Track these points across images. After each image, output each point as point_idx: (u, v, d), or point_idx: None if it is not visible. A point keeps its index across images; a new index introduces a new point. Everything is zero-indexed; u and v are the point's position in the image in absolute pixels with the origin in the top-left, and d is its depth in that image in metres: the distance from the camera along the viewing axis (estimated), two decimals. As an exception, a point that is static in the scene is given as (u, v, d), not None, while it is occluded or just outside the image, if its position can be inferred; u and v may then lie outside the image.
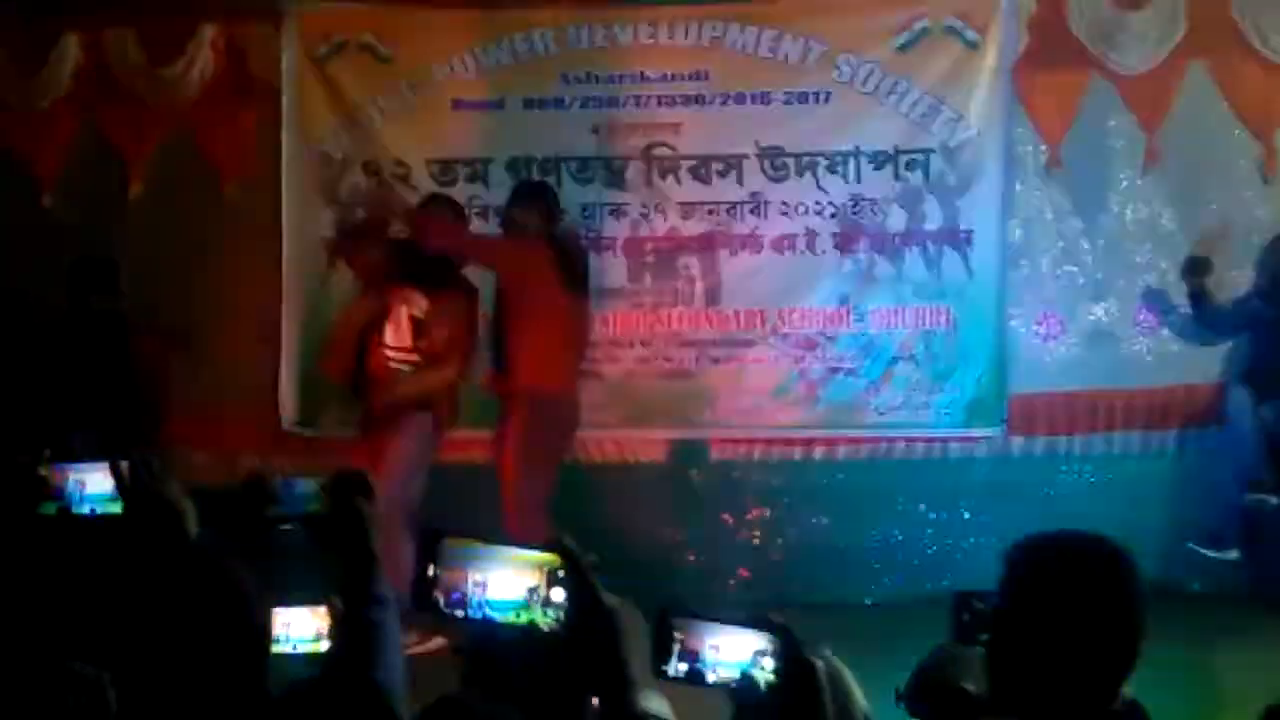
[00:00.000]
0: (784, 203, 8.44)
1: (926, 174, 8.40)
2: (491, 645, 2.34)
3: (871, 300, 8.44)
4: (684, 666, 2.18)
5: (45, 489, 3.81)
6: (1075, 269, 8.48)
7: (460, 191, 8.30)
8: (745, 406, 8.48)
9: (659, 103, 8.47)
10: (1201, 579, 8.07)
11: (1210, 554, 7.94)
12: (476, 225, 8.17)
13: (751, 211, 8.46)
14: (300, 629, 3.28)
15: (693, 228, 8.47)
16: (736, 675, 2.20)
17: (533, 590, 1.95)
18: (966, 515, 8.43)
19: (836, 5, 8.45)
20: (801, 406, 8.48)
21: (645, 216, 8.48)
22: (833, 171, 8.43)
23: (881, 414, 8.45)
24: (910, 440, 8.51)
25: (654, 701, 1.95)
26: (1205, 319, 8.16)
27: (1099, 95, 8.40)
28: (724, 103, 8.44)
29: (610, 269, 8.45)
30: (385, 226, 7.91)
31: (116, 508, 3.76)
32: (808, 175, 8.43)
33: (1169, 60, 8.31)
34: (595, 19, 8.46)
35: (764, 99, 8.42)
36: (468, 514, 7.09)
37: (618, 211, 8.47)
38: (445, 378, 7.49)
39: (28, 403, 7.50)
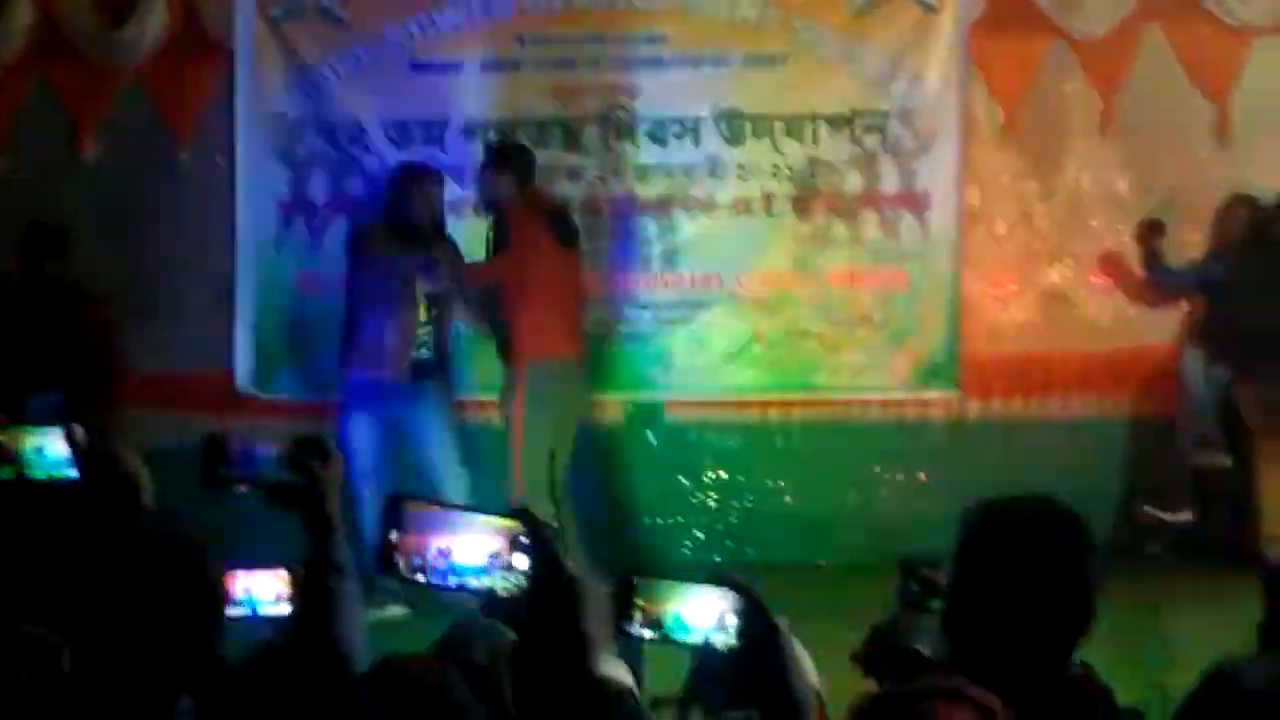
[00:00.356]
0: (741, 165, 8.44)
1: (884, 137, 8.41)
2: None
3: (828, 263, 8.45)
4: (647, 634, 2.18)
5: (1, 453, 3.78)
6: (1031, 232, 8.50)
7: (416, 154, 8.28)
8: (702, 369, 8.49)
9: (616, 65, 8.45)
10: (1156, 540, 8.13)
11: (1164, 515, 8.01)
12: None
13: (709, 174, 8.45)
14: (261, 592, 3.27)
15: (650, 190, 8.46)
16: (699, 641, 2.21)
17: (494, 556, 1.95)
18: (922, 477, 8.47)
19: (794, -32, 8.45)
20: (758, 369, 8.49)
21: (602, 179, 8.46)
22: (790, 135, 8.43)
23: (838, 376, 8.47)
24: (866, 403, 8.53)
25: (614, 667, 1.96)
26: (1159, 280, 8.20)
27: (1056, 59, 8.42)
28: (681, 65, 8.42)
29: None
30: None
31: (72, 473, 3.74)
32: (765, 138, 8.43)
33: (1125, 24, 8.33)
34: (552, -19, 8.44)
35: (721, 62, 8.41)
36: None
37: (574, 174, 8.44)
38: None
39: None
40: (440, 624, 3.24)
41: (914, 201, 8.40)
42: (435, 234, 7.57)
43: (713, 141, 8.44)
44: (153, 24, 8.50)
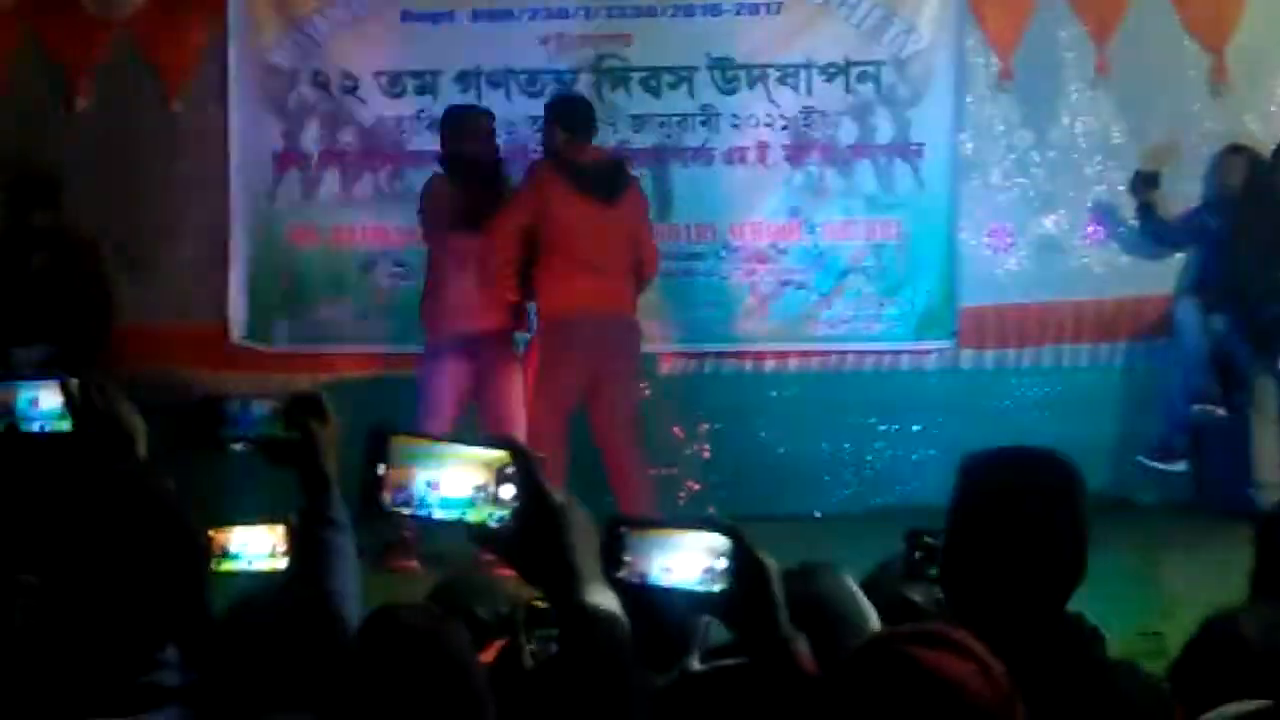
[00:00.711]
0: (735, 115, 8.42)
1: (878, 86, 8.39)
2: None
3: (822, 213, 8.44)
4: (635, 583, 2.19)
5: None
6: (1025, 181, 8.48)
7: (409, 104, 8.25)
8: (695, 319, 8.49)
9: (609, 14, 8.41)
10: (1150, 491, 8.15)
11: (1159, 466, 8.02)
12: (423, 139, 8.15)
13: (702, 124, 8.43)
14: (257, 547, 3.28)
15: (643, 140, 8.44)
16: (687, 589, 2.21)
17: (480, 488, 1.94)
18: (916, 428, 8.47)
19: (788, -85, 8.40)
20: (752, 319, 8.49)
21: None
22: (784, 84, 8.41)
23: (832, 327, 8.48)
24: (861, 353, 8.53)
25: (602, 596, 1.96)
26: (1154, 231, 8.19)
27: (1050, 7, 8.38)
28: (674, 14, 8.40)
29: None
30: None
31: (66, 425, 3.73)
32: (759, 87, 8.41)
33: (1121, -30, 8.31)
34: (544, -71, 8.40)
35: (715, 10, 8.38)
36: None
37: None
38: None
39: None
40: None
41: (908, 150, 8.39)
42: (495, 171, 7.53)
43: (706, 91, 8.41)
44: (145, -27, 8.48)
